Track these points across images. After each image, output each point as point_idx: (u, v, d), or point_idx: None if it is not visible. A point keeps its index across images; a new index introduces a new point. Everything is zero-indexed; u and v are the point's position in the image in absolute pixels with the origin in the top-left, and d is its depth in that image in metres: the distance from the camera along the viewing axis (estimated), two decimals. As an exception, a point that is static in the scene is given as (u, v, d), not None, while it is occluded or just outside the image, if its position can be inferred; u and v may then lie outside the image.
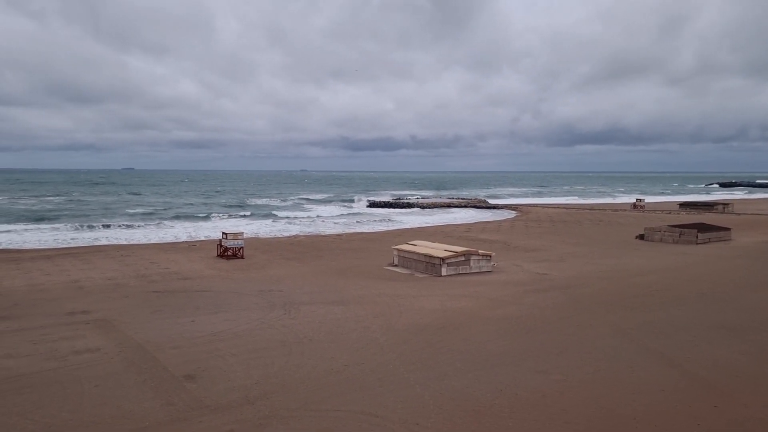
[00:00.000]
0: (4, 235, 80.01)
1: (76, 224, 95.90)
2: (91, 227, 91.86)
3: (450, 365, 23.81)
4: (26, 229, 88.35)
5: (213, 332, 29.08)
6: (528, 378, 22.32)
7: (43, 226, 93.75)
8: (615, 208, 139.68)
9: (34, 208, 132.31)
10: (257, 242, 72.26)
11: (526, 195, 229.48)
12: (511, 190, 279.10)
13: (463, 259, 48.09)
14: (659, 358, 24.80)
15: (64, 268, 50.79)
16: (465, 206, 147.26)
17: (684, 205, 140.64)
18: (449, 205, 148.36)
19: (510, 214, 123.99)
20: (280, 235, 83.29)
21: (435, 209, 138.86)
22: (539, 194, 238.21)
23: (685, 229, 70.15)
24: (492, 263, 49.96)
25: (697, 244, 67.32)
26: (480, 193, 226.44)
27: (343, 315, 32.75)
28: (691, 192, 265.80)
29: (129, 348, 26.45)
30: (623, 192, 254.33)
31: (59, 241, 74.13)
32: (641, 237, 74.31)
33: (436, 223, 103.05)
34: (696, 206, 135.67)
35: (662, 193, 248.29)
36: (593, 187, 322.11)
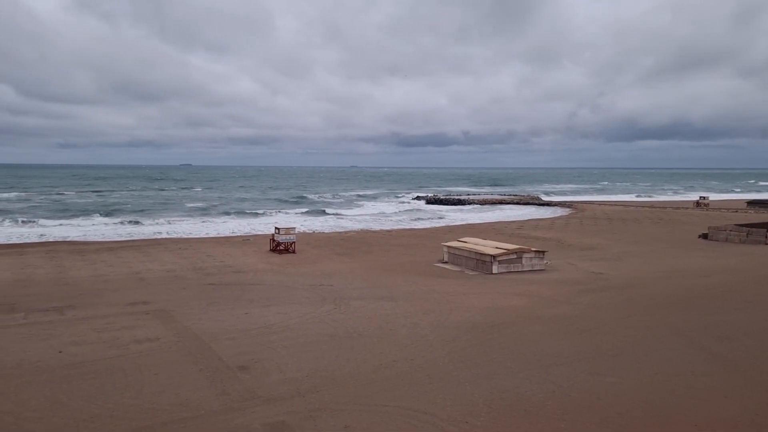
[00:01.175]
0: (71, 228, 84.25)
1: (137, 218, 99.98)
2: (150, 221, 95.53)
3: (500, 364, 23.47)
4: (92, 223, 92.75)
5: (266, 325, 29.71)
6: (582, 379, 21.74)
7: (106, 219, 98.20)
8: (676, 206, 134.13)
9: (98, 202, 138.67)
10: (308, 237, 73.33)
11: (581, 192, 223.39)
12: (566, 186, 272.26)
13: (514, 256, 47.31)
14: (722, 363, 23.67)
15: (126, 260, 53.01)
16: (517, 203, 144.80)
17: (752, 204, 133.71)
18: (501, 202, 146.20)
19: (564, 212, 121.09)
20: (330, 231, 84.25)
21: (486, 206, 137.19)
22: (595, 191, 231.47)
23: (754, 229, 66.59)
24: (545, 261, 48.94)
25: (767, 244, 63.83)
26: (533, 190, 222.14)
27: (392, 311, 32.81)
28: (762, 190, 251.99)
29: (186, 338, 27.35)
30: (686, 189, 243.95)
31: (121, 234, 77.43)
32: (705, 236, 71.08)
33: (487, 220, 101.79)
34: (766, 204, 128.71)
35: (729, 191, 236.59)
36: (654, 183, 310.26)
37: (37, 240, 69.44)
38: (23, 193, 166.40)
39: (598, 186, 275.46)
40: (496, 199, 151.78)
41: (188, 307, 33.97)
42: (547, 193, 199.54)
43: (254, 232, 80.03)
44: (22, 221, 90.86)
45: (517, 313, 32.43)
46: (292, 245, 59.46)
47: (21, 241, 67.74)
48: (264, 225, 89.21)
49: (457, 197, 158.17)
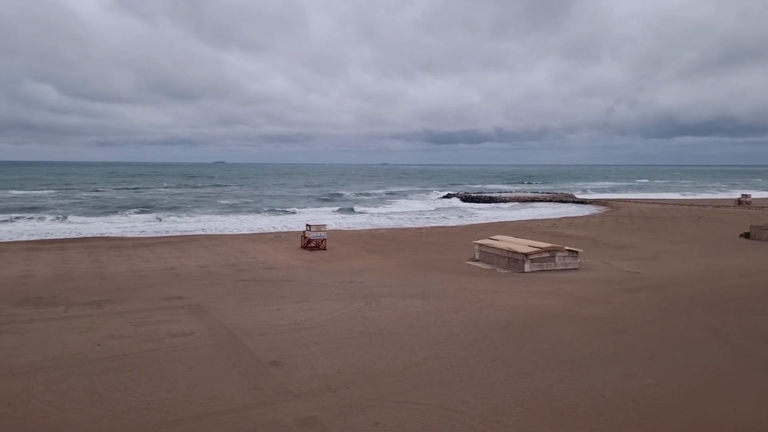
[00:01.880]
0: (108, 224, 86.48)
1: (172, 215, 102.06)
2: (185, 217, 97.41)
3: (533, 364, 23.18)
4: (128, 219, 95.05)
5: (297, 321, 29.98)
6: (616, 381, 21.32)
7: (142, 216, 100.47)
8: (717, 204, 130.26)
9: (134, 199, 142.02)
10: (339, 234, 73.70)
11: (617, 189, 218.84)
12: (601, 184, 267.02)
13: (547, 255, 46.66)
14: (763, 366, 22.89)
15: (161, 255, 54.16)
16: (550, 201, 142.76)
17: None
18: (533, 200, 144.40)
19: (599, 210, 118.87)
20: (361, 228, 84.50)
21: (518, 203, 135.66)
22: (632, 189, 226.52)
23: (798, 228, 64.22)
24: (579, 260, 48.14)
25: (812, 244, 61.46)
26: (567, 187, 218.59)
27: (422, 308, 32.73)
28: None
29: (220, 333, 27.80)
30: (729, 187, 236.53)
31: (157, 230, 79.12)
32: (746, 235, 68.86)
33: (519, 218, 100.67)
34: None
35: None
36: (693, 181, 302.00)
37: (76, 236, 71.50)
38: (63, 191, 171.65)
39: (635, 184, 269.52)
40: (529, 197, 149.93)
41: (221, 302, 34.52)
42: (581, 191, 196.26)
43: (286, 229, 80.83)
44: (63, 218, 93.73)
45: (549, 312, 31.97)
46: (323, 242, 59.83)
47: (62, 237, 69.86)
48: (295, 222, 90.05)
49: (488, 195, 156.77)
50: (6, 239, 67.18)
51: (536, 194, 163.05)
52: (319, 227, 60.78)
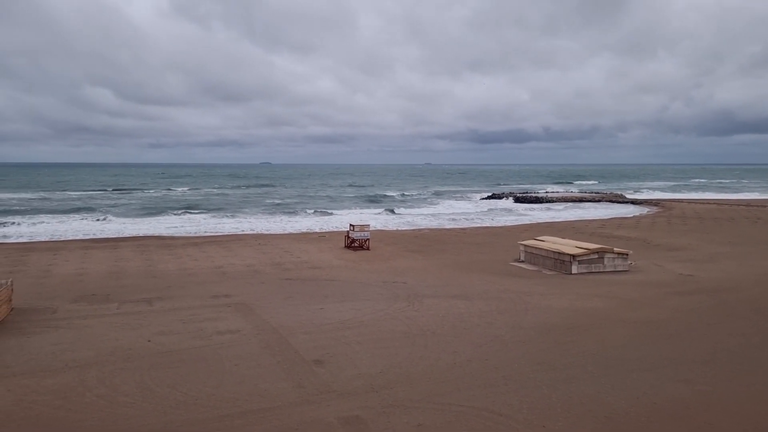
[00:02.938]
0: (159, 223, 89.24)
1: (219, 214, 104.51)
2: (232, 217, 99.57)
3: (580, 368, 22.59)
4: (178, 218, 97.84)
5: (340, 320, 30.15)
6: (668, 387, 20.54)
7: (191, 215, 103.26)
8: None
9: (183, 199, 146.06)
10: (382, 234, 73.82)
11: (669, 189, 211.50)
12: (653, 183, 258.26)
13: (596, 256, 45.48)
14: (832, 375, 21.63)
15: (209, 254, 55.48)
16: (599, 200, 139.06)
17: None
18: (581, 200, 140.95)
19: (650, 210, 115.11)
20: (404, 228, 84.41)
21: (565, 203, 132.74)
22: (686, 188, 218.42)
23: None
24: (629, 262, 46.72)
25: None
26: (616, 187, 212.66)
27: (466, 309, 32.39)
28: None
29: (265, 331, 28.23)
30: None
31: (205, 229, 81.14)
32: (809, 237, 65.39)
33: (566, 218, 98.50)
34: None
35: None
36: (751, 180, 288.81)
37: (128, 235, 74.05)
38: (117, 191, 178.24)
39: (690, 183, 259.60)
40: (576, 197, 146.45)
41: (267, 301, 35.06)
42: (631, 191, 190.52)
43: (329, 229, 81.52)
44: (116, 217, 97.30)
45: (598, 315, 31.13)
46: (366, 242, 60.05)
47: (115, 236, 72.51)
48: (339, 222, 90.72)
49: (534, 195, 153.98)
50: (64, 238, 70.18)
51: (584, 194, 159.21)
52: (363, 227, 61.05)
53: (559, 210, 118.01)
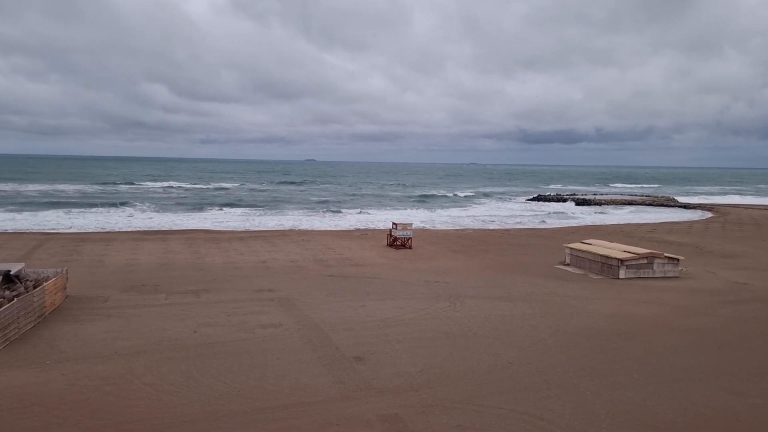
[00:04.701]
0: (206, 217, 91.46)
1: (264, 210, 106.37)
2: (276, 213, 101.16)
3: (626, 375, 21.94)
4: (224, 213, 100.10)
5: (381, 318, 30.20)
6: (719, 398, 19.71)
7: (237, 210, 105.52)
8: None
9: (230, 194, 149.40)
10: (425, 233, 73.58)
11: (725, 193, 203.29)
12: (708, 188, 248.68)
13: (645, 261, 44.10)
14: None
15: (254, 249, 56.50)
16: (650, 204, 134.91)
17: None
18: (631, 203, 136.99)
19: (704, 215, 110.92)
20: (447, 228, 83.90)
21: (614, 206, 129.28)
22: (742, 193, 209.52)
23: None
24: (680, 268, 45.11)
25: None
26: (669, 191, 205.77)
27: (509, 312, 31.94)
28: None
29: (306, 326, 28.55)
30: None
31: (251, 224, 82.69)
32: None
33: (614, 222, 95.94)
34: None
35: None
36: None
37: (177, 228, 76.19)
38: (168, 185, 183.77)
39: (747, 188, 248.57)
40: (626, 200, 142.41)
41: (309, 296, 35.44)
42: (684, 195, 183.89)
43: (372, 227, 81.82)
44: (165, 210, 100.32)
45: (646, 321, 30.18)
46: (409, 241, 59.97)
47: (165, 228, 74.71)
48: (382, 220, 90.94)
49: (582, 197, 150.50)
50: (116, 229, 72.78)
51: (634, 197, 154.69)
52: (406, 226, 60.98)
53: (607, 213, 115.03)
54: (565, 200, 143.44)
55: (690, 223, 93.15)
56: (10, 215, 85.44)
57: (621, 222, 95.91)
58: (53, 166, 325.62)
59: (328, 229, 79.85)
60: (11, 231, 68.16)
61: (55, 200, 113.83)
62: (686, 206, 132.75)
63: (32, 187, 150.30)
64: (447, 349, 24.81)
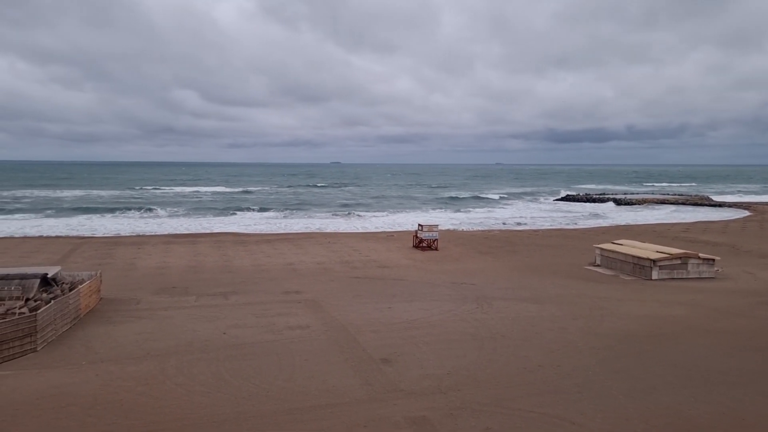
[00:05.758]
0: (234, 220, 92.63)
1: (291, 213, 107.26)
2: (303, 216, 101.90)
3: (660, 378, 21.44)
4: (250, 216, 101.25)
5: (408, 320, 30.11)
6: (758, 402, 19.10)
7: (264, 213, 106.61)
8: None
9: (257, 198, 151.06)
10: (451, 235, 73.22)
11: (763, 192, 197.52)
12: (744, 186, 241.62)
13: (678, 262, 43.12)
14: None
15: (281, 251, 56.97)
16: (683, 203, 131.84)
17: None
18: (663, 202, 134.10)
19: (740, 214, 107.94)
20: (473, 229, 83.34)
21: (645, 206, 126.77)
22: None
23: None
24: (715, 269, 43.97)
25: None
26: (704, 189, 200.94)
27: (537, 313, 31.54)
28: None
29: (333, 328, 28.63)
30: None
31: (277, 227, 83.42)
32: None
33: (645, 221, 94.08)
34: None
35: None
36: None
37: (206, 231, 77.31)
38: (195, 190, 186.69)
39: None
40: (658, 199, 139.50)
41: (335, 298, 35.56)
42: (720, 193, 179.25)
43: (398, 229, 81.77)
44: (194, 213, 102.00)
45: (680, 323, 29.47)
46: (435, 242, 59.75)
47: (194, 231, 75.89)
48: (407, 222, 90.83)
49: (612, 196, 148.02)
50: (147, 233, 74.17)
51: (666, 196, 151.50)
52: (431, 227, 60.79)
53: (638, 212, 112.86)
54: (594, 200, 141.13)
55: (726, 223, 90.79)
56: (47, 220, 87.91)
57: (653, 221, 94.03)
58: (87, 172, 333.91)
59: (354, 231, 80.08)
60: (48, 236, 70.05)
61: (88, 205, 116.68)
62: (721, 205, 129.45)
63: (67, 193, 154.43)
64: (475, 352, 24.60)
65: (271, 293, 37.16)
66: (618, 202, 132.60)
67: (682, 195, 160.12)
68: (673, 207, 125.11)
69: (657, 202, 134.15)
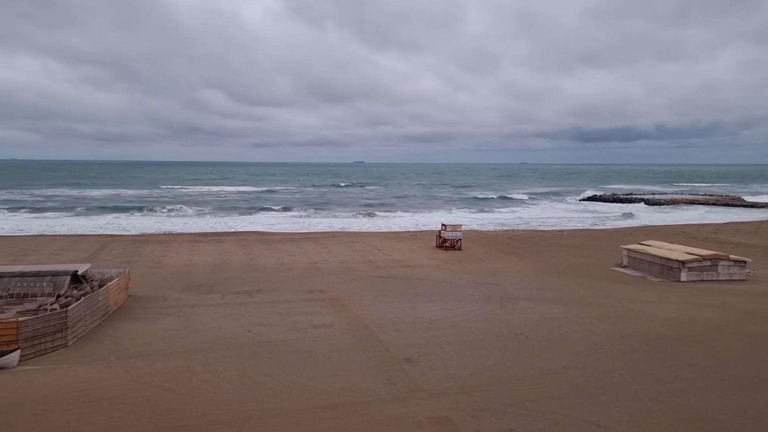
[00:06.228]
0: (258, 219, 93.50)
1: (314, 212, 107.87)
2: (326, 215, 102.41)
3: (688, 382, 21.03)
4: (274, 215, 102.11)
5: (431, 320, 30.05)
6: (793, 410, 18.60)
7: (287, 213, 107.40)
8: None
9: (280, 197, 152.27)
10: (475, 235, 72.82)
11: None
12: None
13: (708, 263, 42.21)
14: None
15: (305, 250, 57.33)
16: (713, 204, 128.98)
17: None
18: (692, 202, 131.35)
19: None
20: (497, 229, 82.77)
21: (674, 206, 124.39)
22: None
23: None
24: (747, 271, 42.94)
25: None
26: (736, 190, 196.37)
27: (563, 315, 31.19)
28: None
29: (357, 327, 28.73)
30: None
31: (302, 226, 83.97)
32: None
33: (674, 222, 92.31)
34: None
35: None
36: None
37: (230, 230, 78.20)
38: (221, 188, 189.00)
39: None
40: (687, 199, 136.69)
41: (358, 297, 35.66)
42: (752, 194, 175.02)
43: (421, 228, 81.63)
44: (220, 212, 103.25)
45: (710, 326, 28.85)
46: (458, 242, 59.50)
47: (219, 230, 76.84)
48: (431, 221, 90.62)
49: (639, 196, 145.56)
50: (174, 231, 75.32)
51: (696, 196, 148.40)
52: (455, 227, 60.56)
53: (667, 213, 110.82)
54: (621, 200, 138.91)
55: (758, 224, 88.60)
56: (77, 219, 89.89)
57: (682, 222, 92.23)
58: (115, 171, 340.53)
59: (377, 230, 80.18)
60: (78, 234, 71.64)
61: (117, 204, 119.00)
62: (754, 205, 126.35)
63: (96, 192, 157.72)
64: (498, 352, 24.44)
65: (295, 292, 37.44)
66: (647, 203, 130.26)
67: (712, 195, 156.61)
68: (705, 208, 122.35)
69: (687, 203, 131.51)
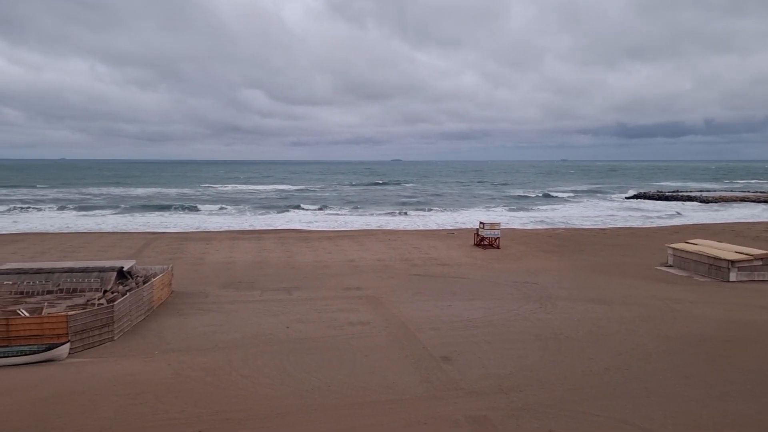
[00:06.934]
0: (295, 216, 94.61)
1: (351, 210, 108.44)
2: (364, 213, 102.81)
3: (736, 385, 20.28)
4: (312, 213, 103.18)
5: (468, 318, 29.84)
6: None
7: (324, 210, 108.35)
8: None
9: (317, 195, 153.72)
10: (513, 233, 71.92)
11: None
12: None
13: (760, 263, 40.62)
14: None
15: (342, 248, 57.71)
16: (765, 201, 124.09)
17: None
18: (743, 200, 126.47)
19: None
20: (537, 227, 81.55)
21: (723, 204, 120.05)
22: None
23: None
24: (799, 270, 41.16)
25: None
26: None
27: (604, 315, 30.51)
28: None
29: (393, 324, 28.76)
30: None
31: (339, 224, 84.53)
32: None
33: (723, 220, 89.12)
34: None
35: None
36: None
37: (269, 227, 79.35)
38: (260, 186, 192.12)
39: None
40: (737, 197, 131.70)
41: (395, 295, 35.69)
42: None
43: (459, 226, 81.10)
44: (258, 210, 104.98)
45: (760, 328, 27.76)
46: (497, 240, 58.88)
47: (258, 228, 78.07)
48: (468, 219, 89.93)
49: (686, 194, 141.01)
50: (215, 229, 76.89)
51: (746, 193, 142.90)
52: (493, 225, 59.96)
53: (715, 211, 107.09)
54: (667, 197, 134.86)
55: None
56: (122, 216, 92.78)
57: (731, 220, 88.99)
58: (158, 170, 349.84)
59: (415, 228, 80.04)
60: (123, 231, 73.92)
61: (160, 202, 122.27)
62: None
63: (140, 191, 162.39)
64: (537, 352, 24.09)
65: (333, 289, 37.74)
66: (696, 200, 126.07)
67: (764, 192, 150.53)
68: (758, 205, 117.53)
69: (737, 200, 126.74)
